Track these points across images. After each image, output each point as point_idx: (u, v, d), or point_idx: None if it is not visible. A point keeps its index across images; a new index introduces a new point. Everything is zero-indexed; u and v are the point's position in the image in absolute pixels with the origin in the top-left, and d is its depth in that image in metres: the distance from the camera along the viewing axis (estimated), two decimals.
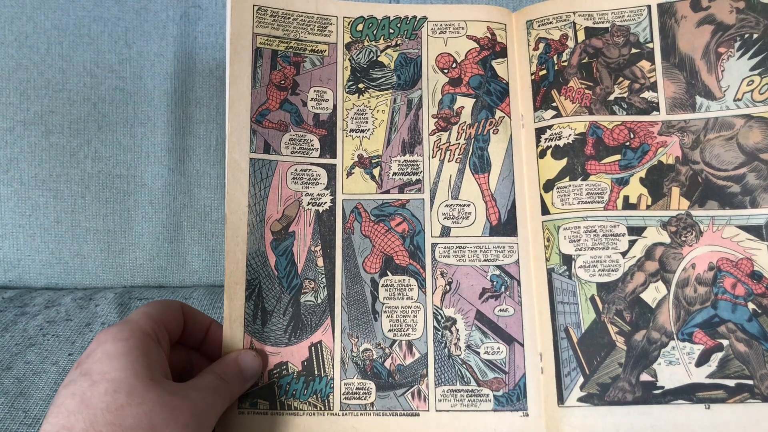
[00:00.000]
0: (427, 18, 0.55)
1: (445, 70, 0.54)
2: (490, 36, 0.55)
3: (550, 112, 0.53)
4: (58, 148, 0.74)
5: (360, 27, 0.55)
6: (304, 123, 0.53)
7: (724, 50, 0.51)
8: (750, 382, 0.47)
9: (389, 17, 0.55)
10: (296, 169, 0.52)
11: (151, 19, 0.75)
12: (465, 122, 0.54)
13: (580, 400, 0.48)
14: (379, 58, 0.54)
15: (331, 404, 0.49)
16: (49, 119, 0.74)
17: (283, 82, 0.53)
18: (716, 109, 0.51)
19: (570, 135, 0.52)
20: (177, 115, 0.75)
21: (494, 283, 0.51)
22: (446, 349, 0.50)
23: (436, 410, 0.49)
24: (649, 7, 0.53)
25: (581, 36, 0.54)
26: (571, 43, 0.54)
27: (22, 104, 0.73)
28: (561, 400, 0.49)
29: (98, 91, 0.74)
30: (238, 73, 0.52)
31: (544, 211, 0.52)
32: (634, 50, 0.53)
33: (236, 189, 0.50)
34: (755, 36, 0.51)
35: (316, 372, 0.50)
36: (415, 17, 0.55)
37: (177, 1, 0.75)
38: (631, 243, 0.50)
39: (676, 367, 0.48)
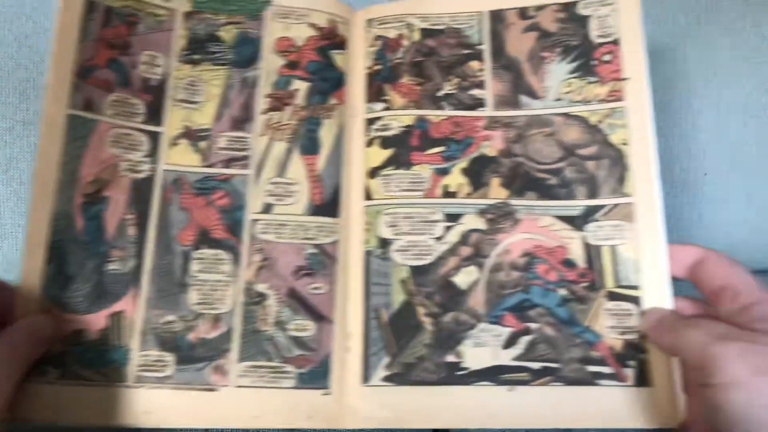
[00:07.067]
0: (271, 2, 0.56)
1: (284, 54, 0.55)
2: (331, 27, 0.56)
3: (381, 105, 0.54)
4: None
5: None
6: (131, 85, 0.51)
7: (547, 55, 0.54)
8: (555, 365, 0.47)
9: None
10: (117, 132, 0.50)
11: None
12: (298, 104, 0.54)
13: (384, 379, 0.47)
14: (218, 33, 0.54)
15: (126, 375, 0.47)
16: None
17: (114, 40, 0.51)
18: (538, 108, 0.53)
19: (397, 127, 0.53)
20: None
21: (310, 261, 0.50)
22: (253, 325, 0.49)
23: (236, 386, 0.47)
24: (481, 12, 0.56)
25: (417, 36, 0.56)
26: (406, 42, 0.55)
27: (21, 104, 0.70)
28: (366, 379, 0.47)
29: None
30: (66, 22, 0.50)
31: (368, 196, 0.52)
32: (465, 51, 0.55)
33: (49, 144, 0.48)
34: (574, 43, 0.54)
35: (113, 342, 0.47)
36: None
37: None
38: (448, 229, 0.50)
39: (482, 348, 0.48)
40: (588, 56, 0.53)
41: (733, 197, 0.71)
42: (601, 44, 0.53)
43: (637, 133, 0.51)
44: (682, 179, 0.71)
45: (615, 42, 0.53)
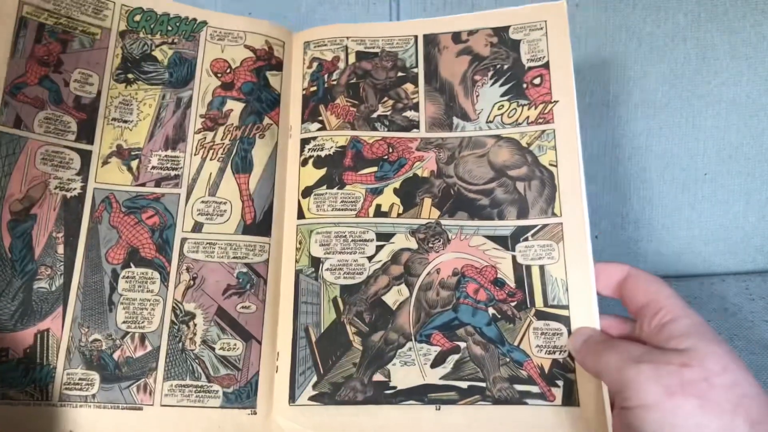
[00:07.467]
0: (207, 23, 0.56)
1: (219, 74, 0.55)
2: (267, 49, 0.56)
3: (316, 125, 0.54)
4: None
5: (138, 18, 0.55)
6: (63, 103, 0.51)
7: (479, 78, 0.55)
8: (483, 384, 0.47)
9: (169, 14, 0.55)
10: (47, 150, 0.50)
11: None
12: (232, 124, 0.54)
13: (312, 399, 0.47)
14: (153, 53, 0.54)
15: (50, 394, 0.46)
16: None
17: (46, 57, 0.51)
18: (471, 129, 0.53)
19: (332, 147, 0.53)
20: None
21: (240, 280, 0.50)
22: (180, 344, 0.48)
23: (161, 405, 0.47)
24: (416, 37, 0.56)
25: (352, 59, 0.56)
26: (342, 65, 0.56)
27: None
28: (293, 398, 0.47)
29: None
30: None
31: (300, 215, 0.52)
32: (400, 74, 0.56)
33: None
34: (506, 67, 0.55)
35: (38, 360, 0.46)
36: (195, 20, 0.56)
37: None
38: (379, 248, 0.51)
39: (410, 367, 0.48)
40: (519, 79, 0.54)
41: (733, 197, 0.72)
42: (532, 68, 0.54)
43: (566, 154, 0.51)
44: (682, 179, 0.72)
45: (545, 65, 0.54)
